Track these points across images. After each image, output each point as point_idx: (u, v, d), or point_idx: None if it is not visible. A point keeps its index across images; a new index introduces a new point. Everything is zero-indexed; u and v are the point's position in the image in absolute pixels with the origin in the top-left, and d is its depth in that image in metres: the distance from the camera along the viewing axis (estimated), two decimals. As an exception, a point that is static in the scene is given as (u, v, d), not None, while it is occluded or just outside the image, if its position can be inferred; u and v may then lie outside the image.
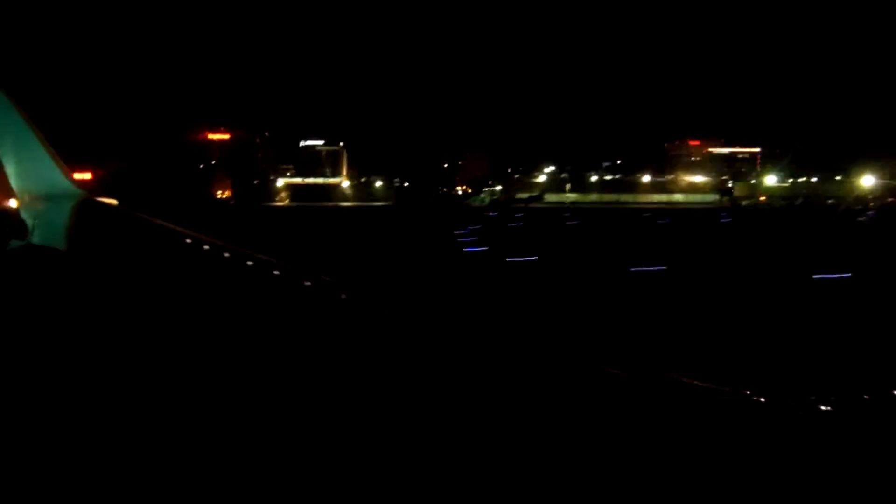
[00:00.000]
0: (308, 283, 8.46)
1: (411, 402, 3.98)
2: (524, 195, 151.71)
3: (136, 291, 9.13)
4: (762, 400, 3.90)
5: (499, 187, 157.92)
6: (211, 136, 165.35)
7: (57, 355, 7.08)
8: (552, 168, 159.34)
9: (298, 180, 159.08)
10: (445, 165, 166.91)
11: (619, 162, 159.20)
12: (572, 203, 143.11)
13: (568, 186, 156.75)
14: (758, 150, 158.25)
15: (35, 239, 9.12)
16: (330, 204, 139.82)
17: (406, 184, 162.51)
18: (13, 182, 9.60)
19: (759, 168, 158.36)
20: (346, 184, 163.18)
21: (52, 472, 4.07)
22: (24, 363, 7.02)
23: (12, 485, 3.92)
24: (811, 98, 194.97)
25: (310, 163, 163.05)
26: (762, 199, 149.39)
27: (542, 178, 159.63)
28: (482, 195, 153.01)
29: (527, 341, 5.51)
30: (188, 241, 9.70)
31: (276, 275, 9.31)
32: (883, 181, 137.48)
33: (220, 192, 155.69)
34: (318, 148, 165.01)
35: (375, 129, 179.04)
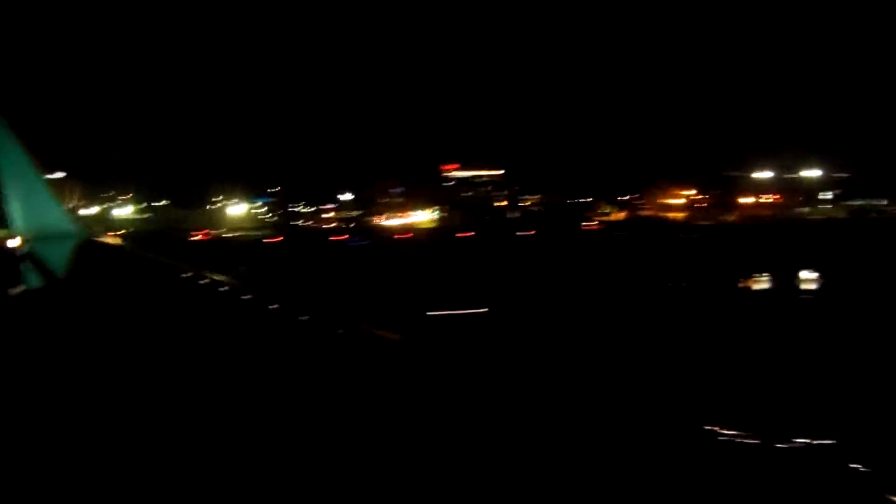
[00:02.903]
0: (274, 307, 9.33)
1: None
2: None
3: (138, 321, 9.21)
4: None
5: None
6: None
7: (56, 387, 7.15)
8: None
9: None
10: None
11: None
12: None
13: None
14: (501, 172, 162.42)
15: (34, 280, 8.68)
16: None
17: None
18: (18, 222, 9.00)
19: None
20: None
21: (50, 476, 4.09)
22: (27, 394, 7.04)
23: (12, 485, 3.95)
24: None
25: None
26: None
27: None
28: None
29: None
30: (187, 275, 9.93)
31: (272, 309, 9.95)
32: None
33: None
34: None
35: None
